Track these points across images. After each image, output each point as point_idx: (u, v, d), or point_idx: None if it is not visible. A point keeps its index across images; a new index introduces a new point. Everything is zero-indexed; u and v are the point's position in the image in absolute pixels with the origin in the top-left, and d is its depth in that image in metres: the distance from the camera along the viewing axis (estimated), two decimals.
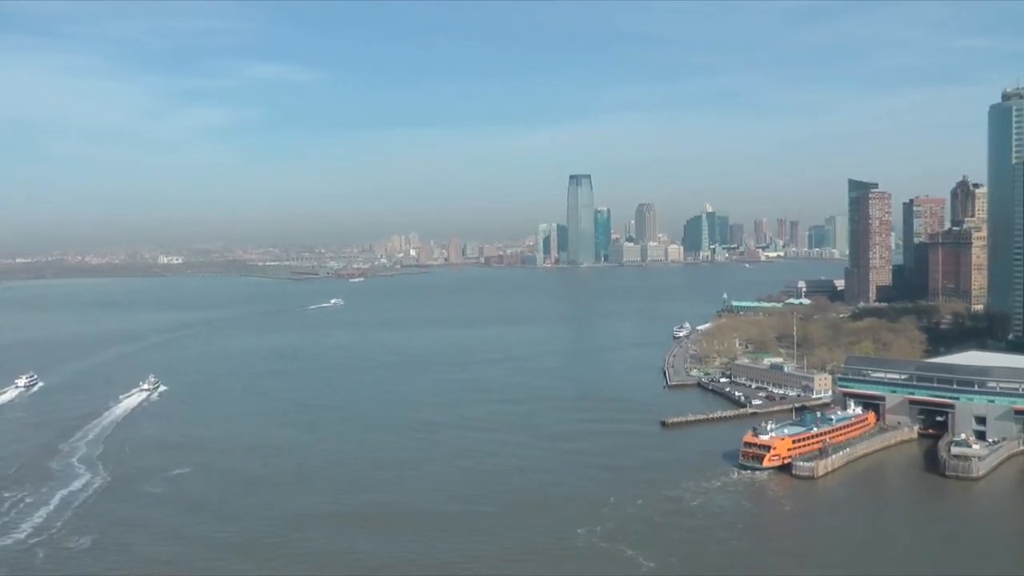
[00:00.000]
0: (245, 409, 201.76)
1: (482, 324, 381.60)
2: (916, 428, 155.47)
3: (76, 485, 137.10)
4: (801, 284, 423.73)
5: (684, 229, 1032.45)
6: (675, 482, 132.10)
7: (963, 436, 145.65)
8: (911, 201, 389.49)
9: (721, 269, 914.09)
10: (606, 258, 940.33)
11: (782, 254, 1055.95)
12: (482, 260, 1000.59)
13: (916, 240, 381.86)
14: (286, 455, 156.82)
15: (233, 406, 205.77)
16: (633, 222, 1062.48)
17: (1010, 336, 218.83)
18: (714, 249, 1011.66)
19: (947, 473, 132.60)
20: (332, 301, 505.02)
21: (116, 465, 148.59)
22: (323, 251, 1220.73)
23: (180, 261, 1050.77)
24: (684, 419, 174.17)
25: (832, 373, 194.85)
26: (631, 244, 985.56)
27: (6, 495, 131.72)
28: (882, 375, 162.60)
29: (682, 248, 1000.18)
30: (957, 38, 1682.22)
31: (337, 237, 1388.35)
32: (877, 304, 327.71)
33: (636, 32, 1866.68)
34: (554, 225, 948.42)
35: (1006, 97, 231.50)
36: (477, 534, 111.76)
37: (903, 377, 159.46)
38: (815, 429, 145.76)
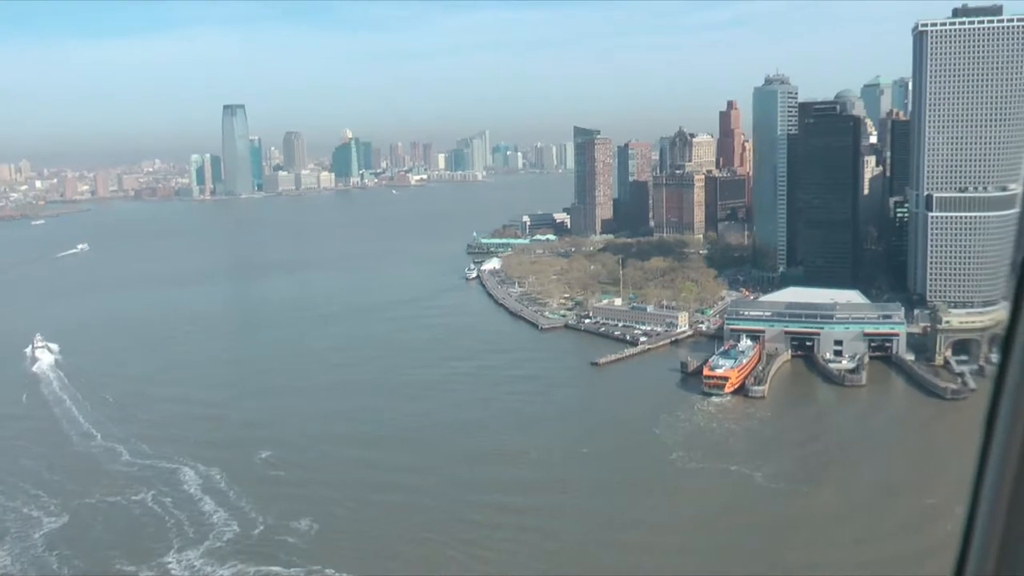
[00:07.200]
0: (185, 376, 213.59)
1: (263, 271, 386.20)
2: (788, 352, 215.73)
3: (191, 479, 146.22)
4: (526, 219, 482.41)
5: (333, 156, 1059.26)
6: (673, 410, 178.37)
7: (829, 355, 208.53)
8: (626, 145, 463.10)
9: (373, 195, 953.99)
10: (260, 187, 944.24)
11: (426, 177, 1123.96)
12: (132, 193, 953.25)
13: (631, 179, 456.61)
14: (340, 420, 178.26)
15: (166, 374, 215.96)
16: (274, 149, 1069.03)
17: (781, 269, 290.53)
18: (362, 175, 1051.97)
19: (845, 384, 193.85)
20: (79, 247, 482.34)
21: (175, 447, 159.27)
22: None
23: None
24: (607, 359, 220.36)
25: (687, 311, 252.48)
26: (285, 173, 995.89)
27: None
28: (759, 313, 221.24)
29: (333, 175, 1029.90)
30: None
31: None
32: (626, 239, 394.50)
33: None
34: (207, 156, 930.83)
35: (768, 81, 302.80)
36: (598, 463, 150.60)
37: (776, 314, 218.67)
38: (744, 360, 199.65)
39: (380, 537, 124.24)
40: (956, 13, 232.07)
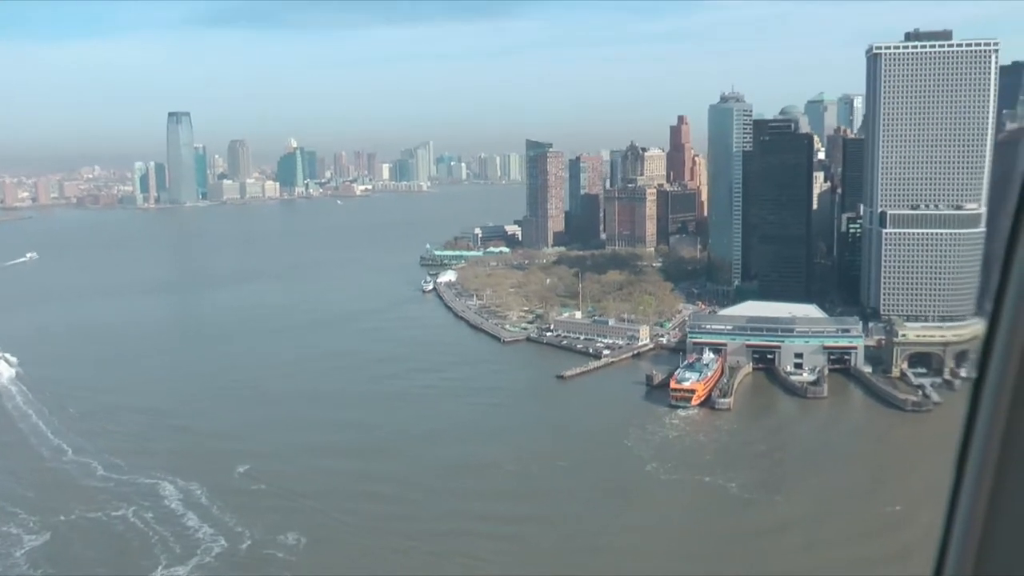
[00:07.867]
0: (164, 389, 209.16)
1: (216, 282, 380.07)
2: (750, 365, 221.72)
3: (171, 493, 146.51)
4: (478, 231, 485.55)
5: (278, 165, 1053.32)
6: (642, 423, 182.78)
7: (790, 368, 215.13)
8: (578, 158, 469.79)
9: (318, 205, 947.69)
10: (204, 196, 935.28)
11: (370, 187, 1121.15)
12: (74, 201, 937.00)
13: (582, 192, 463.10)
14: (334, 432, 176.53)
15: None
16: (218, 158, 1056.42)
17: (736, 283, 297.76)
18: (307, 184, 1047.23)
19: (808, 396, 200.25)
20: (27, 256, 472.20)
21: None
22: None
23: None
24: (573, 372, 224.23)
25: (647, 324, 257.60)
26: (229, 182, 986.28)
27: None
28: (721, 327, 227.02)
29: (278, 184, 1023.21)
30: None
31: None
32: (579, 252, 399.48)
33: None
34: (151, 164, 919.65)
35: (724, 99, 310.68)
36: (574, 474, 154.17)
37: (738, 328, 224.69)
38: (708, 373, 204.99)
39: (368, 548, 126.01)
40: (908, 37, 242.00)
